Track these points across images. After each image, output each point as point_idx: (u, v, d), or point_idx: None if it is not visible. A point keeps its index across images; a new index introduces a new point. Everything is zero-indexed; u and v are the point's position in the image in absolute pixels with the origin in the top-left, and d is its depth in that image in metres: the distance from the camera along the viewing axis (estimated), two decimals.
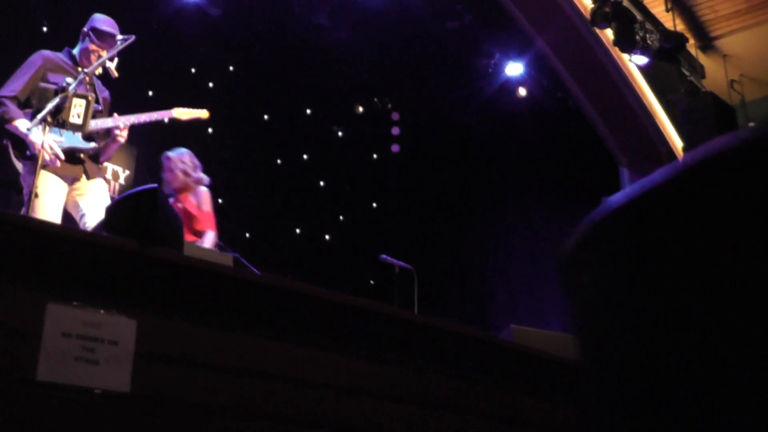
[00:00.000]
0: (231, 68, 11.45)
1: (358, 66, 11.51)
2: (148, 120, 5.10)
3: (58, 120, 4.48)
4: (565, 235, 0.97)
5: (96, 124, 4.86)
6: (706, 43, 11.11)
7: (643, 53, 9.17)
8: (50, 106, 4.37)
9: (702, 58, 10.81)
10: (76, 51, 5.06)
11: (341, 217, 12.63)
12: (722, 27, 10.95)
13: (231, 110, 10.77)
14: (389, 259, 7.89)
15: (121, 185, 9.53)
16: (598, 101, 10.26)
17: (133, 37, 4.76)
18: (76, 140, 4.78)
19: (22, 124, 4.61)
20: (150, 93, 9.96)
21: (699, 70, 10.25)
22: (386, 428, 2.78)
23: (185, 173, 6.18)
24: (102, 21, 5.03)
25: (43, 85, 4.77)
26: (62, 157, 4.63)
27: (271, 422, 2.47)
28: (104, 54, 4.91)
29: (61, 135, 4.66)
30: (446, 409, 3.01)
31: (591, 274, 0.92)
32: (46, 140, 4.48)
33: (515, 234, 12.20)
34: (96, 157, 5.00)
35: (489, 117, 11.79)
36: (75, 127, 4.60)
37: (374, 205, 13.12)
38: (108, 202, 4.85)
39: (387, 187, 13.17)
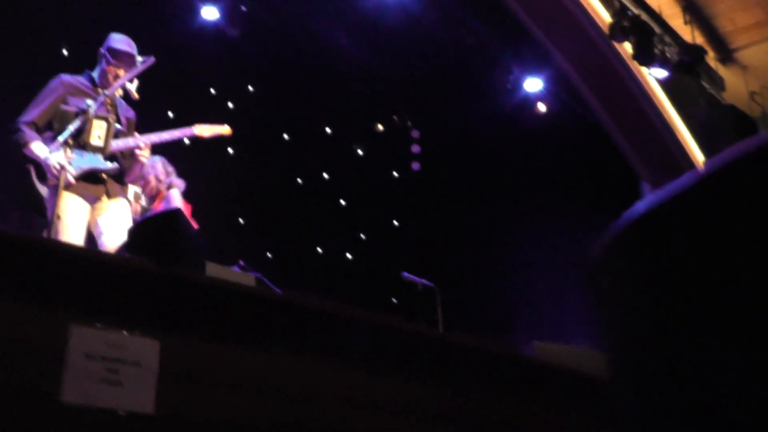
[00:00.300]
0: (250, 88, 11.48)
1: (378, 84, 11.51)
2: (169, 138, 5.08)
3: (80, 142, 4.50)
4: (588, 250, 0.97)
5: (118, 144, 4.86)
6: (726, 56, 11.06)
7: (662, 66, 9.15)
8: (72, 128, 4.39)
9: (722, 71, 10.76)
10: (95, 73, 5.06)
11: (362, 236, 12.61)
12: (742, 39, 10.90)
13: (251, 130, 10.78)
14: (411, 277, 7.85)
15: (142, 206, 9.56)
16: (618, 115, 10.23)
17: (153, 59, 4.74)
18: (97, 161, 4.78)
19: (37, 146, 4.62)
20: (170, 114, 10.01)
21: (719, 83, 10.21)
22: None
23: (157, 179, 6.25)
24: (117, 40, 5.03)
25: (63, 107, 4.78)
26: (73, 172, 4.60)
27: None
28: (122, 73, 4.91)
29: (83, 156, 4.67)
30: (479, 427, 2.99)
31: (617, 285, 0.92)
32: (53, 159, 4.49)
33: (538, 249, 12.13)
34: (119, 177, 4.99)
35: (509, 133, 11.76)
36: (96, 149, 4.63)
37: (395, 223, 13.09)
38: (129, 223, 4.86)
39: (408, 205, 13.14)
